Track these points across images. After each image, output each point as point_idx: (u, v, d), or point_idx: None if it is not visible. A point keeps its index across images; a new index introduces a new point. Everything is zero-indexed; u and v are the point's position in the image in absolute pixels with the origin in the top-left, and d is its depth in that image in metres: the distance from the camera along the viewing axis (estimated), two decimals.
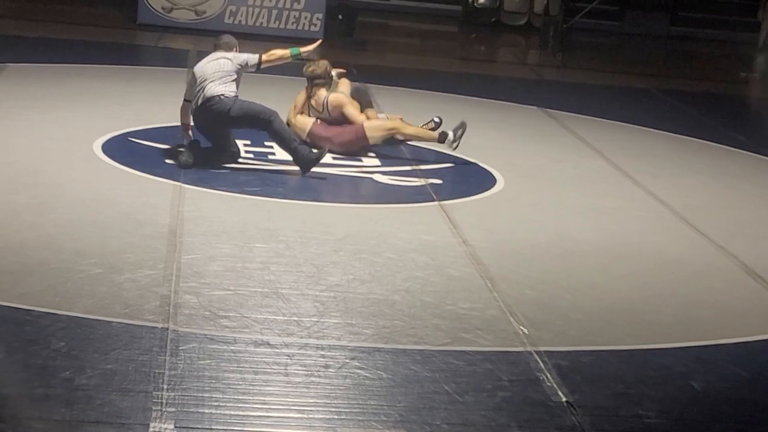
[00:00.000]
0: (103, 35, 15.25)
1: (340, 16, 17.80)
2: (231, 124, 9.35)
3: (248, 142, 10.17)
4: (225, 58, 9.46)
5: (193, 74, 9.49)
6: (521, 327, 6.48)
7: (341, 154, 10.04)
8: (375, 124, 10.29)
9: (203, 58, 9.61)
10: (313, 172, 9.42)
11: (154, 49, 15.89)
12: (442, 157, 10.31)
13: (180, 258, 7.03)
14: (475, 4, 22.11)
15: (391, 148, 10.40)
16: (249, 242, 7.49)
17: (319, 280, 6.95)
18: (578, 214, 9.04)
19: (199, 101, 9.28)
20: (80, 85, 11.86)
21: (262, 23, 17.17)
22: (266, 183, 9.03)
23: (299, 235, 7.74)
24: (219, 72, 9.32)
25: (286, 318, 6.30)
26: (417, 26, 21.63)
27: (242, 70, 9.47)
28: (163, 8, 17.01)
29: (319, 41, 10.14)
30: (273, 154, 9.93)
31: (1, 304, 6.08)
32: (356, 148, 10.18)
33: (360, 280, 7.01)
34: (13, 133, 9.66)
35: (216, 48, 9.65)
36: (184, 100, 9.57)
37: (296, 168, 9.39)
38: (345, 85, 10.52)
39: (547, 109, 13.27)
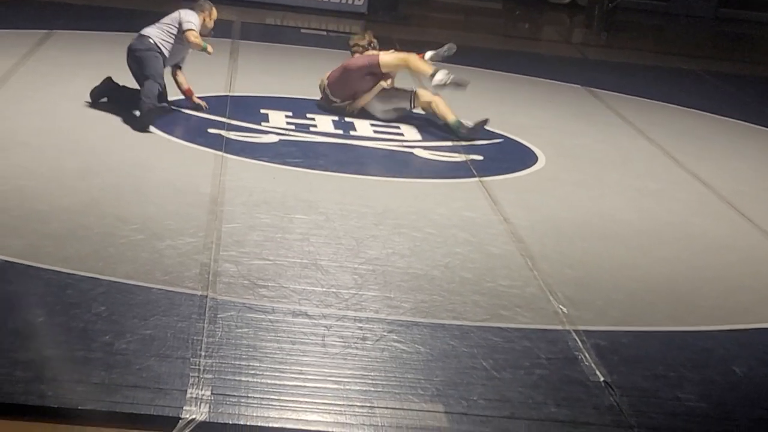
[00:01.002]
0: (149, 4, 15.24)
1: None
2: (128, 61, 9.55)
3: (290, 113, 10.17)
4: (177, 13, 9.69)
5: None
6: (560, 306, 6.45)
7: (350, 94, 10.18)
8: (389, 54, 10.40)
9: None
10: (355, 144, 9.42)
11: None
12: (483, 134, 10.25)
13: (220, 227, 7.04)
14: None
15: (432, 123, 10.37)
16: (289, 213, 7.49)
17: (359, 253, 6.94)
18: (620, 195, 8.99)
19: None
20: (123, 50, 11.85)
21: None
22: (307, 155, 9.02)
23: (339, 208, 7.73)
24: (166, 19, 9.65)
25: (324, 289, 6.30)
26: (461, 2, 21.55)
27: (178, 27, 9.63)
28: None
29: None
30: (315, 126, 9.93)
31: (45, 267, 6.12)
32: (367, 74, 10.22)
33: (399, 255, 7.00)
34: (60, 99, 9.69)
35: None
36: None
37: (338, 141, 9.42)
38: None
39: (591, 88, 13.18)
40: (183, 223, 7.04)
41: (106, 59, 10.68)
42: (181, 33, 9.60)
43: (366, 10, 17.29)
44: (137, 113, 9.25)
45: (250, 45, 13.35)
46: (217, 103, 10.10)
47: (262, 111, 10.18)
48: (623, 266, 7.37)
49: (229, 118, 9.74)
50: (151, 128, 9.14)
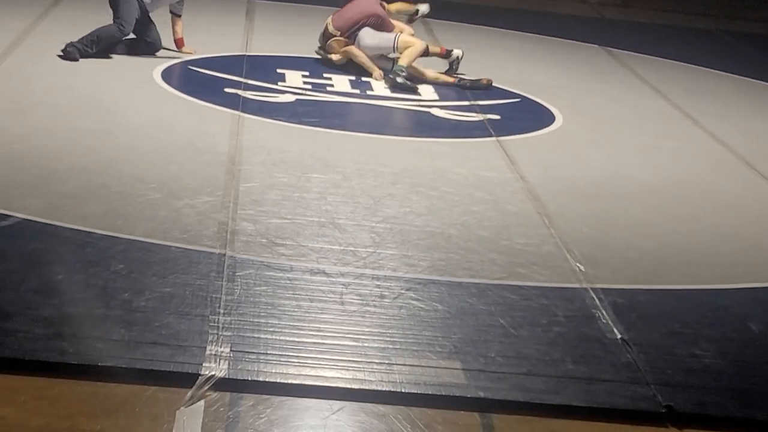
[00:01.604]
0: None
1: None
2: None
3: (306, 73, 10.17)
4: None
5: None
6: (577, 264, 6.46)
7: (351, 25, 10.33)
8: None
9: None
10: (372, 104, 9.43)
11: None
12: (500, 93, 10.24)
13: (238, 186, 7.06)
14: None
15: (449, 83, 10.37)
16: (306, 172, 7.51)
17: (376, 211, 6.96)
18: (637, 154, 8.98)
19: None
20: None
21: None
22: (324, 114, 9.03)
23: (356, 167, 7.74)
24: None
25: (342, 248, 6.32)
26: None
27: None
28: None
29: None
30: (332, 86, 9.93)
31: (64, 225, 6.15)
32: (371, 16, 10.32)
33: (416, 213, 7.02)
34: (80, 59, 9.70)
35: None
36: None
37: (355, 100, 9.45)
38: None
39: (608, 48, 13.14)
40: (201, 182, 7.06)
41: None
42: None
43: None
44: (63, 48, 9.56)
45: (265, 4, 13.32)
46: (233, 63, 10.10)
47: (279, 71, 10.18)
48: (639, 225, 7.37)
49: (245, 77, 9.74)
50: (169, 87, 9.16)
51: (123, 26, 9.65)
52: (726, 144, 9.47)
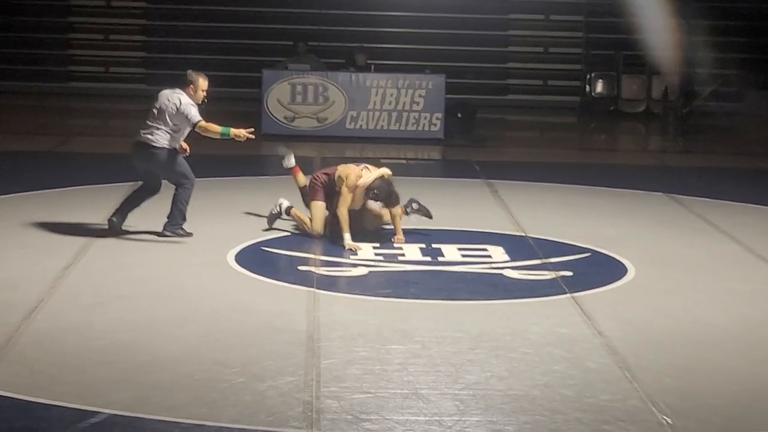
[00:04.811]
0: (230, 149, 15.56)
1: (459, 114, 17.99)
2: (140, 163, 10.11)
3: (377, 245, 10.30)
4: (177, 99, 9.92)
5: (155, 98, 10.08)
6: (664, 416, 6.41)
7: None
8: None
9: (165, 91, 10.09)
10: (444, 270, 9.52)
11: (278, 158, 16.17)
12: (570, 249, 10.30)
13: (319, 363, 7.13)
14: (593, 94, 22.19)
15: (519, 243, 10.45)
16: (385, 344, 7.57)
17: (458, 378, 6.98)
18: (713, 300, 8.95)
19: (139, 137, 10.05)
20: (211, 198, 12.14)
21: (382, 126, 17.47)
22: (398, 284, 9.13)
23: (434, 335, 7.79)
24: (164, 112, 9.92)
25: (427, 418, 6.33)
26: (535, 119, 21.77)
27: (184, 120, 9.91)
28: (285, 118, 17.44)
29: (251, 130, 10.23)
30: (403, 255, 10.04)
31: (151, 417, 6.23)
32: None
33: (498, 377, 7.03)
34: (154, 248, 9.94)
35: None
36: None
37: (427, 268, 9.56)
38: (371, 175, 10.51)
39: (673, 195, 13.20)
40: (282, 362, 7.14)
41: (190, 205, 10.87)
42: (187, 124, 9.91)
43: (443, 135, 17.53)
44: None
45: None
46: (304, 240, 10.31)
47: None
48: (723, 371, 7.31)
49: (318, 254, 9.91)
50: (243, 270, 9.35)
51: (190, 180, 10.01)
52: None
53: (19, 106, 20.64)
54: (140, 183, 10.40)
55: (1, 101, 20.96)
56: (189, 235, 10.11)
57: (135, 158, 10.19)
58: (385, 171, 10.52)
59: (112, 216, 10.24)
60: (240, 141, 10.17)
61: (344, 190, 10.29)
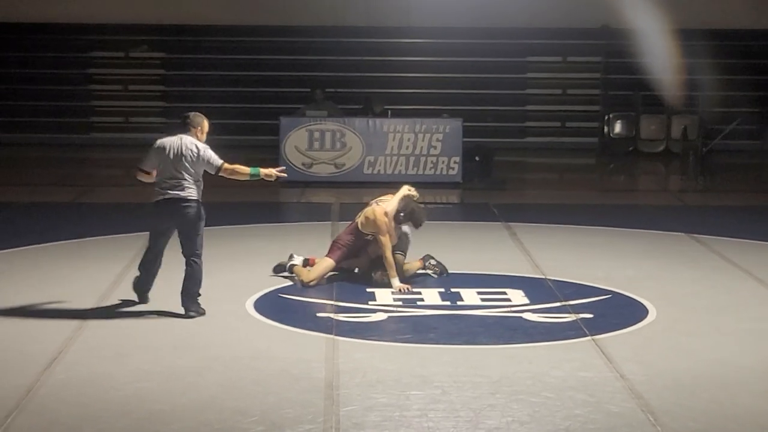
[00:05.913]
0: (247, 196, 15.59)
1: (477, 158, 17.97)
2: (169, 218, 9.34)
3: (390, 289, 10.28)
4: (193, 145, 9.28)
5: (157, 150, 9.34)
6: None
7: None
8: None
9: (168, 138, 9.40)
10: (463, 314, 9.48)
11: (296, 205, 16.25)
12: (591, 291, 10.24)
13: (338, 410, 7.08)
14: (612, 134, 22.17)
15: (539, 286, 10.40)
16: (405, 390, 7.51)
17: (478, 424, 6.91)
18: (736, 340, 8.86)
19: (166, 195, 9.27)
20: (229, 245, 12.16)
21: (400, 171, 17.45)
22: (417, 329, 9.08)
23: (454, 380, 7.74)
24: (184, 163, 9.24)
25: None
26: (554, 161, 21.76)
27: (205, 166, 9.32)
28: (303, 164, 17.45)
29: (283, 168, 9.93)
30: (422, 299, 10.00)
31: None
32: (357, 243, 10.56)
33: (519, 422, 6.96)
34: (172, 297, 9.86)
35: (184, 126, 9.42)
36: (139, 169, 9.46)
37: (446, 312, 9.52)
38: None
39: (694, 234, 13.13)
40: (301, 410, 7.09)
41: (208, 253, 10.87)
42: (209, 168, 9.29)
43: (461, 178, 17.51)
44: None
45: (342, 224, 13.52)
46: (322, 287, 10.29)
47: (368, 290, 10.29)
48: (748, 413, 7.22)
49: (336, 300, 9.88)
50: (262, 317, 9.31)
51: (200, 254, 9.47)
52: None
53: (41, 157, 20.76)
54: (145, 257, 9.67)
55: (25, 153, 21.12)
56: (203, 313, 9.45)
57: (162, 214, 9.37)
58: (404, 190, 10.74)
59: (140, 299, 9.70)
60: (270, 181, 9.70)
61: (381, 238, 10.38)
